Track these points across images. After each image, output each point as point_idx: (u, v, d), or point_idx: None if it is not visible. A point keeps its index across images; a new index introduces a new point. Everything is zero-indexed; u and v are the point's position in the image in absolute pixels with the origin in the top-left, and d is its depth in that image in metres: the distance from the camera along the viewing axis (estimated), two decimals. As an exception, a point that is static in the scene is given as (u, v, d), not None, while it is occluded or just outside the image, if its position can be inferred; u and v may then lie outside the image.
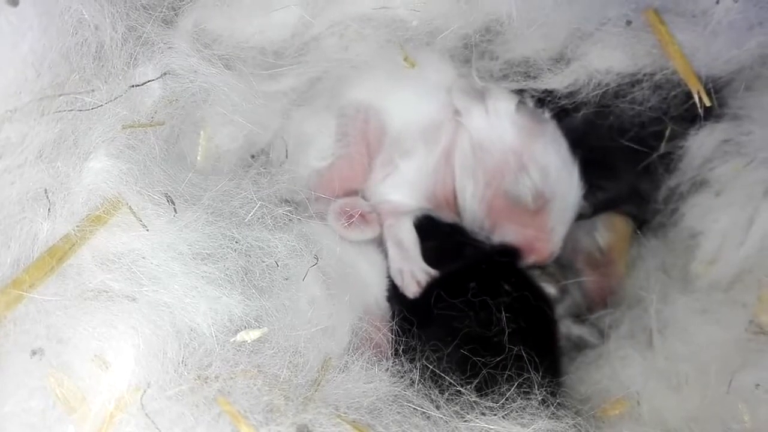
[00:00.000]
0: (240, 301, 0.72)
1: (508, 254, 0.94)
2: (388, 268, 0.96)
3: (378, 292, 0.94)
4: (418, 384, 0.79)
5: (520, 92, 0.99)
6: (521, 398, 0.76)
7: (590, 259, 1.05)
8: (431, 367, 0.81)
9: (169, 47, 0.80)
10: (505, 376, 0.79)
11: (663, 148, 0.98)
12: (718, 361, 0.81)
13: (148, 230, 0.69)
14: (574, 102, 0.96)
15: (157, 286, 0.69)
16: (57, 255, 0.67)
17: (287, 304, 0.77)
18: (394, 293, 0.94)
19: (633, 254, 1.05)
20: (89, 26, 0.75)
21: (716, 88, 0.91)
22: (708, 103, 0.88)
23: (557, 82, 0.95)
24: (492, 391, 0.78)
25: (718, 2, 0.87)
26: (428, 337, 0.85)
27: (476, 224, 0.98)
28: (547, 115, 0.98)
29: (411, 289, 0.92)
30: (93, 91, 0.73)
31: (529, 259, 0.95)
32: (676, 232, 0.99)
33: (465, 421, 0.74)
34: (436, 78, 1.00)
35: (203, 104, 0.85)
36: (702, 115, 0.91)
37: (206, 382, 0.68)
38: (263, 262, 0.77)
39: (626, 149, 0.98)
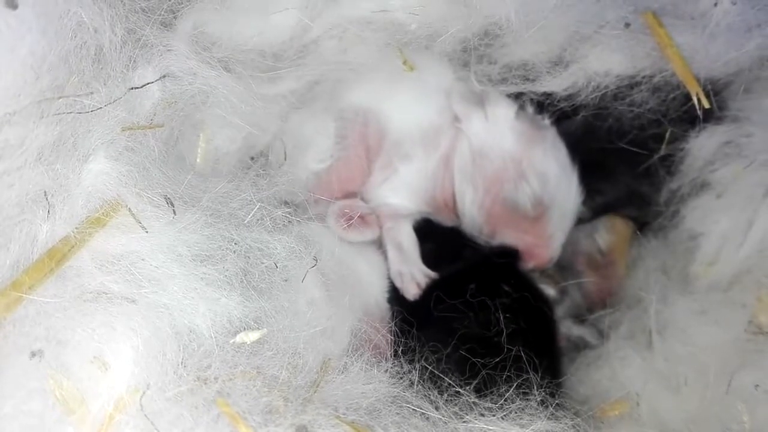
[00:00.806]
0: (239, 303, 0.72)
1: (507, 256, 0.94)
2: (388, 269, 0.96)
3: (378, 293, 0.94)
4: (417, 385, 0.78)
5: (519, 96, 0.99)
6: (520, 399, 0.76)
7: (591, 260, 1.06)
8: (430, 368, 0.81)
9: (168, 50, 0.80)
10: (504, 376, 0.79)
11: (663, 150, 0.98)
12: (718, 361, 0.81)
13: (147, 232, 0.70)
14: (573, 105, 0.96)
15: (156, 287, 0.69)
16: (56, 257, 0.67)
17: (286, 305, 0.77)
18: (395, 295, 0.94)
19: (633, 255, 1.05)
20: (88, 29, 0.75)
21: (715, 90, 0.91)
22: (707, 105, 0.89)
23: (556, 84, 0.95)
24: (491, 392, 0.78)
25: (716, 4, 0.87)
26: (427, 338, 0.85)
27: (475, 229, 0.98)
28: (547, 121, 0.98)
29: (411, 292, 0.92)
30: (92, 93, 0.74)
31: (529, 265, 0.95)
32: (677, 233, 0.99)
33: (464, 422, 0.74)
34: (435, 81, 1.00)
35: (202, 106, 0.85)
36: (701, 117, 0.92)
37: (205, 384, 0.68)
38: (262, 263, 0.77)
39: (625, 152, 0.98)
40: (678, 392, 0.83)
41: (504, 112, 0.96)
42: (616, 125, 0.98)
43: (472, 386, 0.78)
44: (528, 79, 0.96)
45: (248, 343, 0.72)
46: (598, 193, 1.02)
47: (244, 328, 0.73)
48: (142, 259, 0.69)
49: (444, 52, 0.99)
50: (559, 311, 1.04)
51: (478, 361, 0.81)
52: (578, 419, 0.77)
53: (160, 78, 0.79)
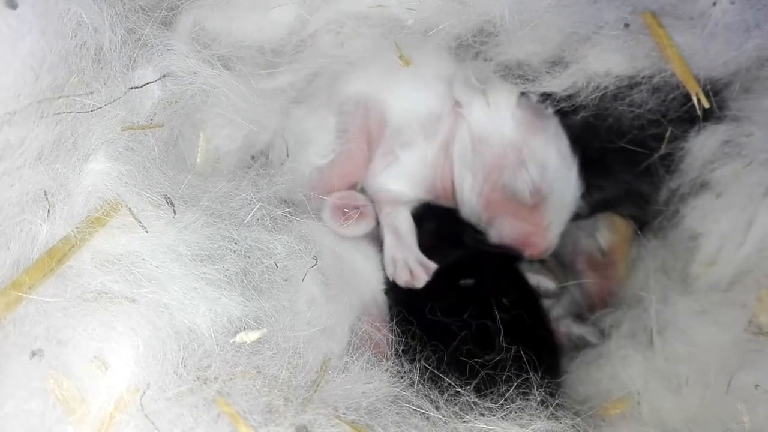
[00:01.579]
0: (239, 302, 0.72)
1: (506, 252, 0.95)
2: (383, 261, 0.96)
3: (375, 286, 0.94)
4: (417, 384, 0.79)
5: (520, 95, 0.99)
6: (520, 399, 0.76)
7: (591, 260, 1.06)
8: (430, 368, 0.81)
9: (168, 49, 0.80)
10: (504, 376, 0.80)
11: (663, 149, 0.98)
12: (718, 361, 0.81)
13: (147, 232, 0.69)
14: (572, 105, 0.95)
15: (156, 287, 0.69)
16: (56, 256, 0.67)
17: (286, 305, 0.77)
18: (393, 286, 0.94)
19: (633, 255, 1.05)
20: (88, 28, 0.75)
21: (715, 90, 0.90)
22: (706, 105, 0.88)
23: (556, 85, 0.94)
24: (491, 392, 0.78)
25: (715, 4, 0.87)
26: (424, 333, 0.85)
27: (473, 216, 0.98)
28: (550, 110, 0.97)
29: (402, 278, 0.92)
30: (92, 93, 0.74)
31: (525, 253, 0.95)
32: (677, 233, 0.99)
33: (464, 421, 0.74)
34: (435, 70, 0.99)
35: (202, 106, 0.85)
36: (701, 117, 0.91)
37: (205, 383, 0.68)
38: (262, 263, 0.77)
39: (625, 150, 0.98)
40: (678, 392, 0.83)
41: (505, 99, 0.96)
42: (615, 125, 0.97)
43: (472, 386, 0.79)
44: (527, 79, 0.96)
45: (248, 342, 0.72)
46: (597, 189, 1.01)
47: (244, 328, 0.73)
48: (143, 259, 0.69)
49: (440, 47, 0.99)
50: (560, 310, 1.04)
51: (476, 361, 0.81)
52: (578, 419, 0.77)
53: (161, 77, 0.79)
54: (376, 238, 0.99)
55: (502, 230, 0.95)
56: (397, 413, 0.74)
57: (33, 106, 0.70)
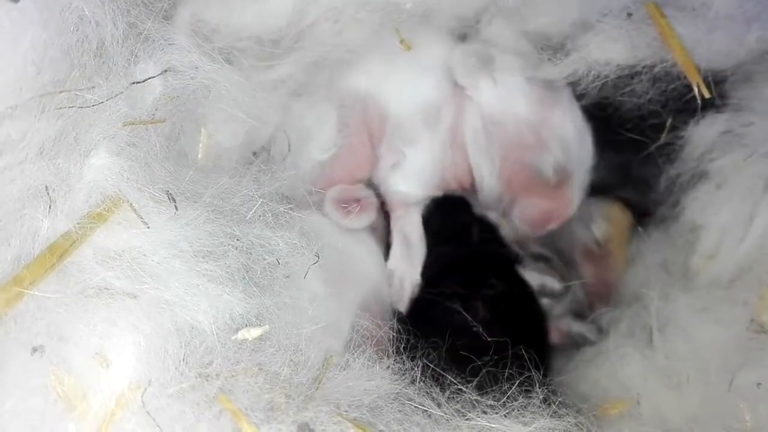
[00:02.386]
0: (241, 299, 0.72)
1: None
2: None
3: (378, 279, 0.94)
4: (419, 382, 0.78)
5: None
6: (522, 397, 0.76)
7: (587, 251, 1.05)
8: (432, 365, 0.81)
9: (170, 44, 0.80)
10: (506, 374, 0.80)
11: (663, 139, 0.98)
12: (719, 359, 0.81)
13: (149, 227, 0.69)
14: (573, 93, 0.96)
15: (158, 283, 0.68)
16: (58, 252, 0.66)
17: (288, 301, 0.77)
18: None
19: (633, 251, 1.04)
20: (90, 23, 0.75)
21: (716, 80, 0.90)
22: (707, 95, 0.88)
23: (556, 72, 0.94)
24: (493, 390, 0.78)
25: (716, -6, 0.88)
26: (422, 330, 0.85)
27: (494, 200, 0.97)
28: (562, 81, 0.96)
29: (403, 297, 0.92)
30: (94, 87, 0.73)
31: (547, 227, 0.95)
32: (677, 227, 0.98)
33: (466, 419, 0.74)
34: (433, 57, 0.99)
35: (204, 101, 0.84)
36: (701, 107, 0.91)
37: (207, 380, 0.67)
38: (264, 259, 0.77)
39: (624, 138, 0.98)
40: (679, 390, 0.83)
41: (513, 76, 0.95)
42: (616, 115, 0.98)
43: (474, 384, 0.79)
44: (528, 66, 0.96)
45: (250, 339, 0.72)
46: (596, 171, 1.01)
47: (246, 325, 0.72)
48: (144, 255, 0.69)
49: (441, 30, 0.99)
50: (560, 307, 1.04)
51: (475, 359, 0.81)
52: (581, 417, 0.77)
53: (162, 72, 0.78)
54: (376, 230, 0.99)
55: (525, 209, 0.95)
56: (399, 411, 0.73)
57: (34, 101, 0.70)
